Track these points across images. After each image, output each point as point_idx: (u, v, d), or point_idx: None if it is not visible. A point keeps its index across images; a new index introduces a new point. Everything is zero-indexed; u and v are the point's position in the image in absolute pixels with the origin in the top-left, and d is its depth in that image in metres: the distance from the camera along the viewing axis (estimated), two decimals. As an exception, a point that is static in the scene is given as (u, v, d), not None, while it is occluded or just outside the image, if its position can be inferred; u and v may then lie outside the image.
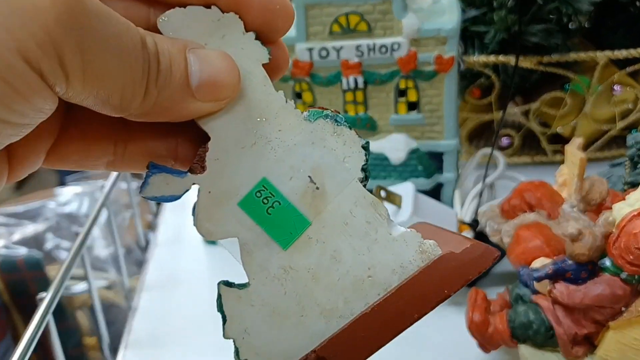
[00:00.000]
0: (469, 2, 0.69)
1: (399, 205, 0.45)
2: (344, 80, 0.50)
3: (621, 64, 0.71)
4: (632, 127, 0.70)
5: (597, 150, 0.73)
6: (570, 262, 0.35)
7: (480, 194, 0.52)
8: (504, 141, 0.76)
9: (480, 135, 0.82)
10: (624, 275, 0.34)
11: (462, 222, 0.49)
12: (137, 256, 0.88)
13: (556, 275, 0.35)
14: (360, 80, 0.50)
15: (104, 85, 0.17)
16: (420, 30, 0.47)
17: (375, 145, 0.52)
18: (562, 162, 0.80)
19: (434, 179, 0.52)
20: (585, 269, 0.35)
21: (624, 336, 0.34)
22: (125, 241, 0.91)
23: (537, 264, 0.38)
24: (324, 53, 0.49)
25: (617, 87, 0.71)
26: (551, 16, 0.64)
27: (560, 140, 0.78)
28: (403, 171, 0.51)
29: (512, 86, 0.69)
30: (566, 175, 0.46)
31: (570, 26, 0.70)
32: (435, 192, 0.53)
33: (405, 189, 0.46)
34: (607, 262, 0.35)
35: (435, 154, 0.52)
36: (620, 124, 0.71)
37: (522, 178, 0.58)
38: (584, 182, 0.46)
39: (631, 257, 0.33)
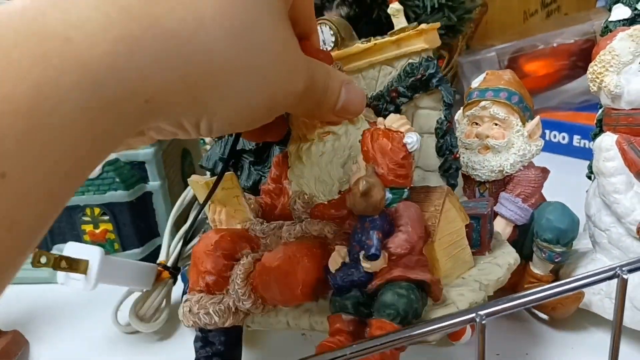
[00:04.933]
0: None
1: (84, 273, 0.39)
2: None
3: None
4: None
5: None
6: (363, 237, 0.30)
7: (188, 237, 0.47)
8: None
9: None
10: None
11: (164, 268, 0.45)
12: None
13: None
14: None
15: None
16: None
17: (67, 160, 0.48)
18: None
19: (138, 189, 0.50)
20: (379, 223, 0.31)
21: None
22: None
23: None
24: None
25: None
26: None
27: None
28: (101, 184, 0.48)
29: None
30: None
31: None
32: (143, 202, 0.51)
33: (91, 252, 0.39)
34: (389, 194, 0.32)
35: (138, 163, 0.50)
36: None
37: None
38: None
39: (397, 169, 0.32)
